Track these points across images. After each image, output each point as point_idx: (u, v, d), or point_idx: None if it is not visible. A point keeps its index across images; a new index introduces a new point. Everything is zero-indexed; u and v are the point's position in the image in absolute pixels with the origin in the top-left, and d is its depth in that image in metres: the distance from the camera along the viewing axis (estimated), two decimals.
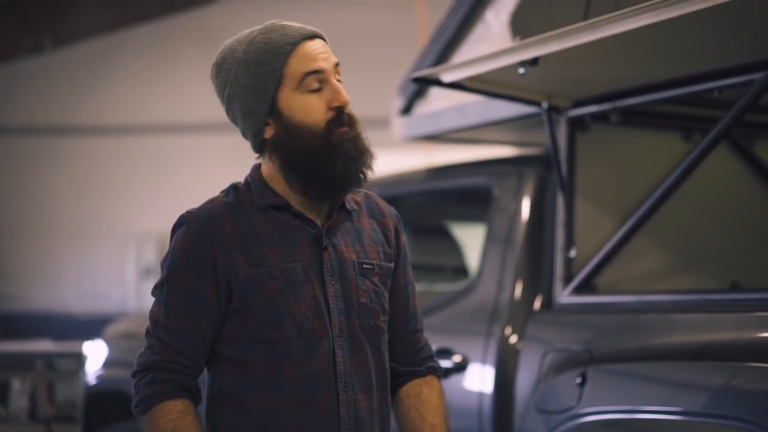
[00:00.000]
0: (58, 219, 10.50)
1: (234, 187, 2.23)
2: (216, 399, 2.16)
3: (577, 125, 3.34)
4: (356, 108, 2.12)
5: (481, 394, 3.33)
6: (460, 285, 3.75)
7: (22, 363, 8.20)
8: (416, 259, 4.15)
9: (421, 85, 3.76)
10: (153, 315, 2.16)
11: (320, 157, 2.12)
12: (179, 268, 2.14)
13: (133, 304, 10.20)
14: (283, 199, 2.19)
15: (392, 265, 2.29)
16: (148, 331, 2.16)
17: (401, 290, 2.33)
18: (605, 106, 3.25)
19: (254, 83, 2.14)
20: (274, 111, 2.14)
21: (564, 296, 3.26)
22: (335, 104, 2.13)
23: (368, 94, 7.31)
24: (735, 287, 3.59)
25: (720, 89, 2.98)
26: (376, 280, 2.22)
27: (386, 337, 2.27)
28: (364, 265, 2.21)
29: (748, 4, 2.57)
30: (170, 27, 10.43)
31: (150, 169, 10.44)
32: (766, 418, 2.55)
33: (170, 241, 2.19)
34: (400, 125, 4.00)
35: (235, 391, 2.13)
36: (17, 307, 10.29)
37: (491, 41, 3.59)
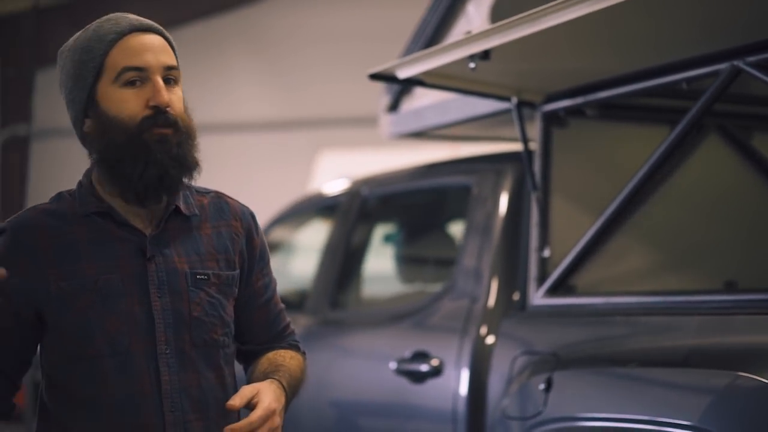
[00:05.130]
0: None
1: (59, 195, 2.10)
2: (45, 421, 2.06)
3: (552, 120, 3.23)
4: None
5: (455, 398, 3.24)
6: (438, 286, 3.65)
7: None
8: (411, 259, 4.09)
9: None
10: None
11: (131, 155, 1.99)
12: None
13: None
14: (106, 205, 2.06)
15: (236, 273, 2.13)
16: None
17: (259, 296, 2.19)
18: (578, 100, 3.13)
19: (76, 70, 2.04)
20: (92, 102, 2.03)
21: (537, 297, 3.15)
22: (153, 103, 1.99)
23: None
24: (730, 286, 3.43)
25: (687, 80, 2.85)
26: (212, 291, 2.08)
27: (230, 350, 2.13)
28: (198, 276, 2.07)
29: None
30: (217, 26, 10.47)
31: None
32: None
33: None
34: (386, 123, 3.91)
35: (59, 413, 2.02)
36: None
37: None
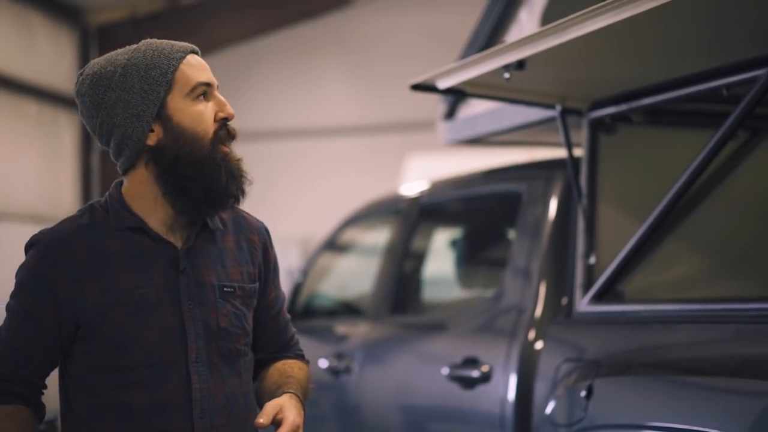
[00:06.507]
0: None
1: (90, 207, 2.17)
2: (71, 423, 2.13)
3: (599, 127, 3.22)
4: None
5: (503, 404, 3.26)
6: (491, 292, 3.68)
7: None
8: (466, 265, 4.11)
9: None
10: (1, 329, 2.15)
11: (205, 169, 2.07)
12: (24, 289, 2.11)
13: None
14: (139, 219, 2.12)
15: (256, 285, 2.22)
16: None
17: (271, 308, 2.29)
18: (623, 107, 3.13)
19: (144, 85, 2.08)
20: (162, 115, 2.09)
21: (583, 304, 3.15)
22: (222, 115, 2.09)
23: None
24: None
25: (727, 87, 2.83)
26: (237, 303, 2.17)
27: (248, 358, 2.22)
28: (225, 288, 2.15)
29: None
30: (306, 33, 10.61)
31: (288, 173, 10.65)
32: None
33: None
34: (443, 130, 3.95)
35: (88, 417, 2.09)
36: None
37: None
